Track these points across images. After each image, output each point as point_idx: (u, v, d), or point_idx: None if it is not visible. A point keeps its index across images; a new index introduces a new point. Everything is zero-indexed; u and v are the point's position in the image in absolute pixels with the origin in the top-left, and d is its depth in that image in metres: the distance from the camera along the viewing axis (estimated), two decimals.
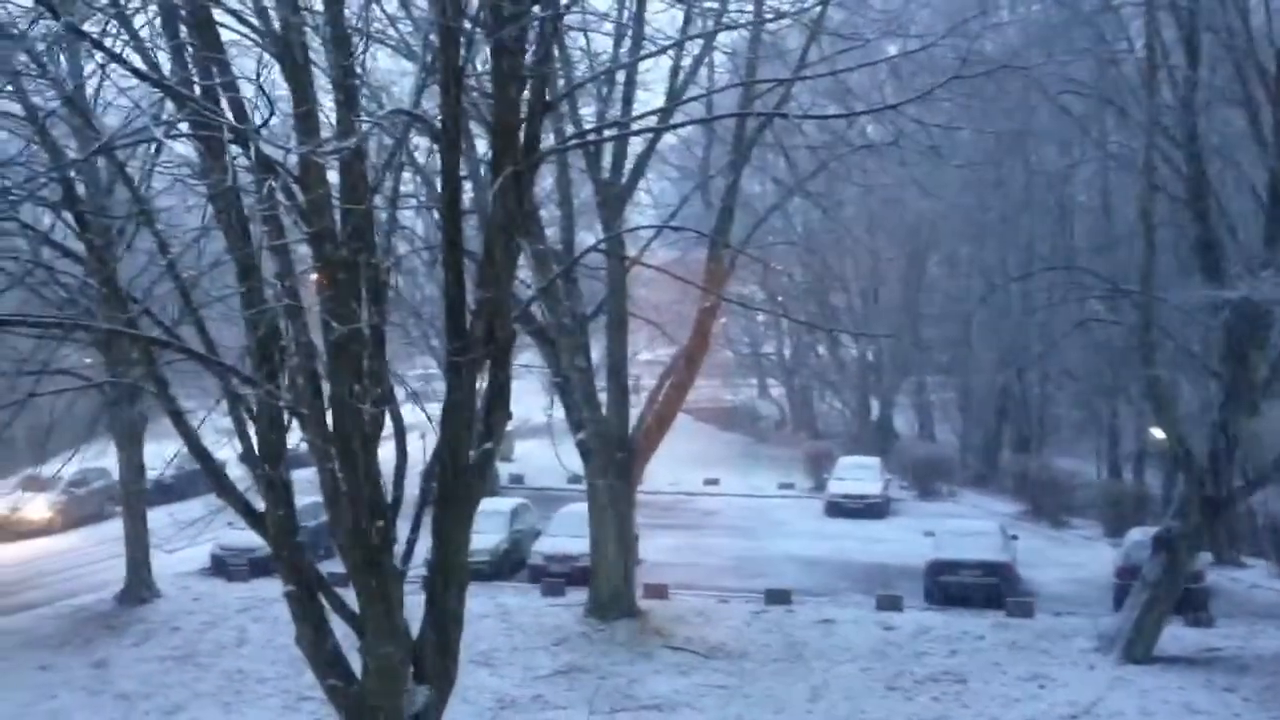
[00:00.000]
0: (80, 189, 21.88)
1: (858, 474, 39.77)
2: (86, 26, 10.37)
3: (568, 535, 28.19)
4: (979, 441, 46.69)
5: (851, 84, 20.97)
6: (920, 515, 36.77)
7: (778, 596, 26.08)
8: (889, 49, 19.22)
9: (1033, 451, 42.18)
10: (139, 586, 27.02)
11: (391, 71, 23.15)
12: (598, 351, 26.51)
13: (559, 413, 25.05)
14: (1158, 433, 27.36)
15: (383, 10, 17.18)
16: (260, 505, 12.20)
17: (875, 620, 24.58)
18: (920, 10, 24.69)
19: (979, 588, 26.21)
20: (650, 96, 26.04)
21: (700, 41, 22.22)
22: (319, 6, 10.69)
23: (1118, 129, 28.09)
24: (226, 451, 12.70)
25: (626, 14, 21.67)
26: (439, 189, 12.34)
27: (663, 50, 21.28)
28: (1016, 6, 35.95)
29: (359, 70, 11.36)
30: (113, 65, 11.00)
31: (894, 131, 17.37)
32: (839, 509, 38.27)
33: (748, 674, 21.12)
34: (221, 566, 29.47)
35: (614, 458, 24.59)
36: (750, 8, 19.43)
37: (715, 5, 18.18)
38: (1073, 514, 37.05)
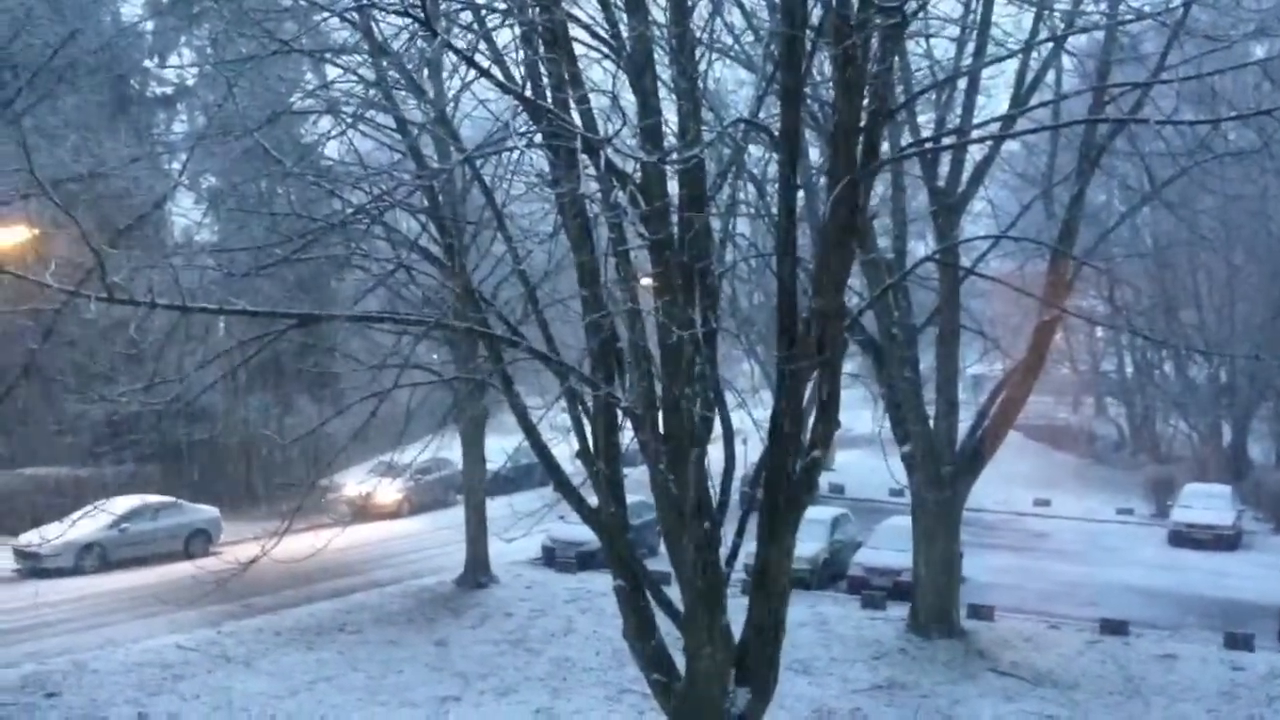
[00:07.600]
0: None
1: (1207, 502, 37.25)
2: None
3: (890, 548, 27.74)
4: None
5: (1217, 87, 19.55)
6: (1277, 551, 34.16)
7: (1114, 627, 24.75)
8: (1257, 50, 17.87)
9: None
10: (476, 572, 28.68)
11: (727, 81, 23.44)
12: (926, 363, 25.93)
13: (885, 423, 24.62)
14: None
15: (725, 22, 17.42)
16: (593, 501, 12.63)
17: (1223, 659, 22.87)
18: None
19: None
20: (992, 102, 25.22)
21: (1049, 45, 21.28)
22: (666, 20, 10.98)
23: None
24: (562, 448, 13.14)
25: (972, 17, 21.04)
26: (774, 197, 12.39)
27: (1010, 55, 20.60)
28: None
29: (702, 81, 11.57)
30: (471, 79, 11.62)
31: (1264, 137, 16.14)
32: (1184, 539, 36.14)
33: (1079, 705, 20.08)
34: (551, 557, 30.90)
35: (940, 472, 23.97)
36: (1105, 8, 18.50)
37: (1067, 7, 17.41)
38: None
